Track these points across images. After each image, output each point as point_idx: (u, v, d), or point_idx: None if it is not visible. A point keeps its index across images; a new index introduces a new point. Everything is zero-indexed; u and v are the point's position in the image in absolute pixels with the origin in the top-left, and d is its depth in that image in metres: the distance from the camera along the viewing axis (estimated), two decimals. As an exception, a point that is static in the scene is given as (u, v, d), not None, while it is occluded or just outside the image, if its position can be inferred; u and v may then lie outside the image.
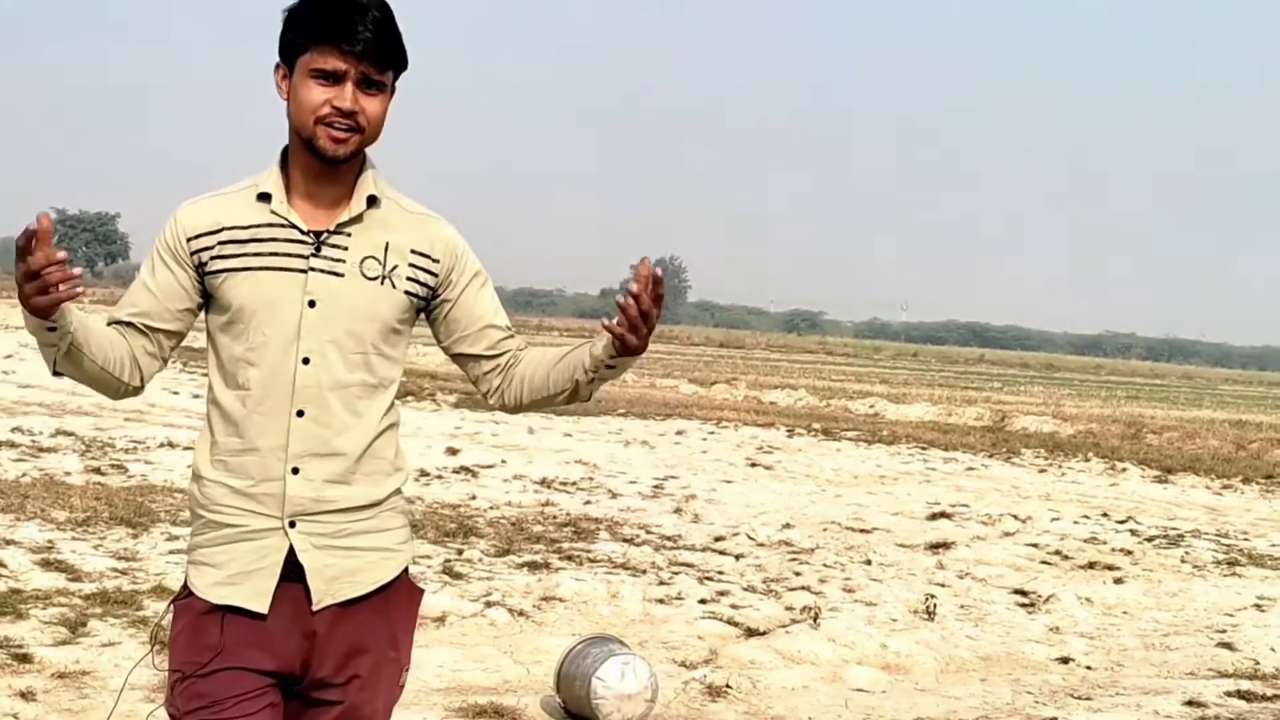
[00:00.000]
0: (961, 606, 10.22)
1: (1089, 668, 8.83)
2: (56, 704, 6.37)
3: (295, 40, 3.13)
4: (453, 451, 17.42)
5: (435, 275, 3.31)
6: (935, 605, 9.88)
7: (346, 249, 3.20)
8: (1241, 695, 8.10)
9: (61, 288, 2.90)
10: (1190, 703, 7.83)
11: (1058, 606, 10.40)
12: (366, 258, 3.21)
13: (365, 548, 3.25)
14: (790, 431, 25.05)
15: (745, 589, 10.25)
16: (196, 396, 22.91)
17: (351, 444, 3.25)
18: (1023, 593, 10.93)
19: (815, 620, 9.11)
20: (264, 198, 3.19)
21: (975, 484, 18.78)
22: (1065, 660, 8.92)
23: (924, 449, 23.43)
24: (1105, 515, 16.10)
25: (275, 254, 3.16)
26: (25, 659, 6.87)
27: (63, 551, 9.36)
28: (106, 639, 7.33)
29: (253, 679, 3.15)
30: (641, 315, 3.19)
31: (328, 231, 3.19)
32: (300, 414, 3.17)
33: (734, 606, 9.60)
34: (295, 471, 3.16)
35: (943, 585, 10.99)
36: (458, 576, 9.74)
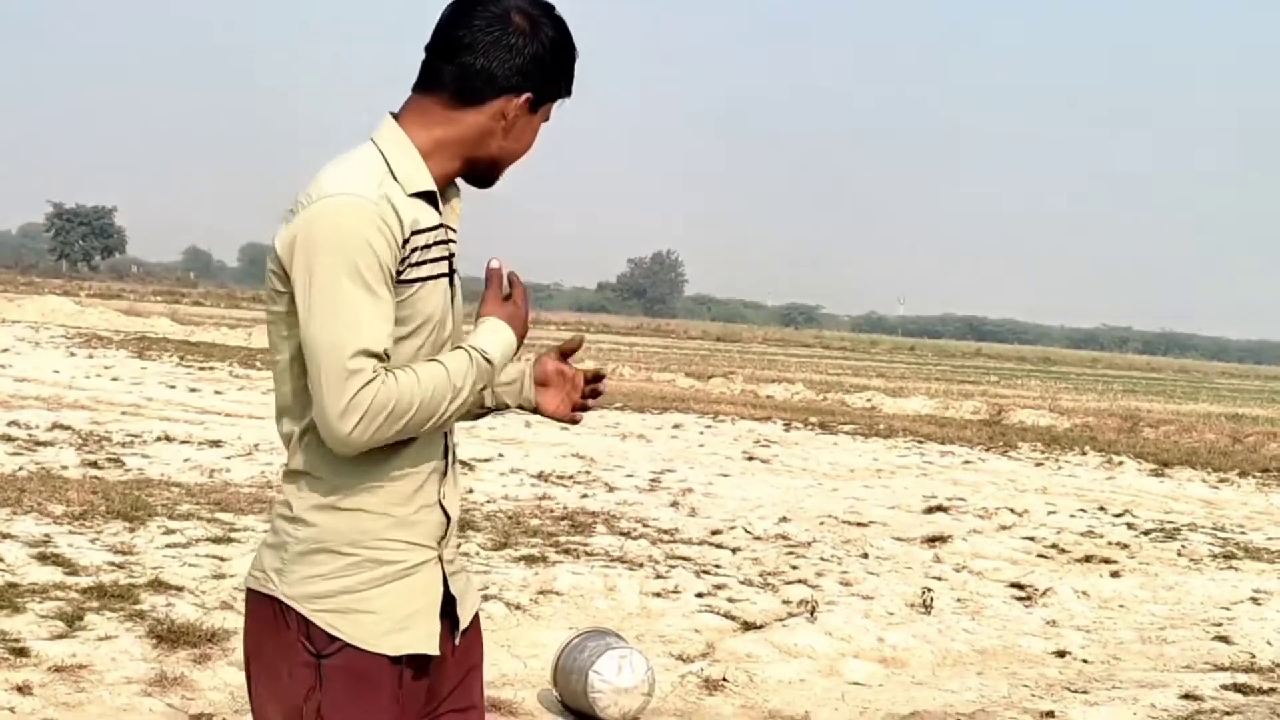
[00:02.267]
0: (958, 600, 10.23)
1: (1085, 661, 8.84)
2: (53, 698, 6.37)
3: (556, 85, 2.97)
4: (449, 445, 17.39)
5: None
6: (932, 599, 9.89)
7: (454, 242, 3.01)
8: (1238, 688, 8.12)
9: None
10: (1186, 696, 7.84)
11: (1054, 600, 10.41)
12: (453, 254, 3.01)
13: (466, 569, 3.13)
14: (787, 425, 25.06)
15: (742, 582, 10.26)
16: (193, 390, 22.90)
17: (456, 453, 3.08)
18: (1019, 586, 10.94)
19: (812, 614, 9.12)
20: (426, 196, 2.89)
21: (972, 477, 18.78)
22: (1062, 654, 8.93)
23: (921, 442, 23.44)
24: (1102, 509, 16.12)
25: (443, 258, 2.92)
26: (22, 653, 6.87)
27: (59, 545, 9.36)
28: (103, 633, 7.33)
29: None
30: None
31: (452, 229, 3.00)
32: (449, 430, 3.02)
33: (731, 600, 9.60)
34: (444, 494, 2.99)
35: (939, 579, 11.00)
36: (455, 570, 9.73)
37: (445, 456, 2.99)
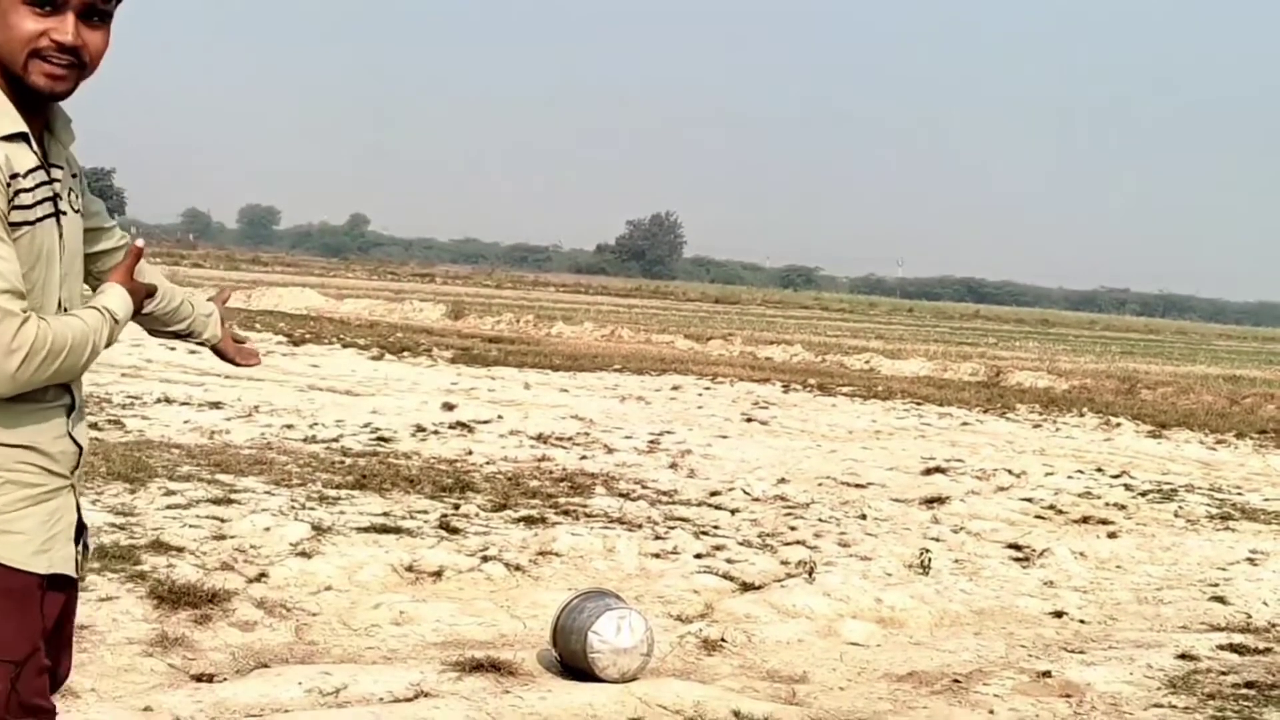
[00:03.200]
0: (956, 561, 10.26)
1: (1082, 621, 8.88)
2: (56, 658, 6.40)
3: None
4: (449, 407, 17.43)
5: (84, 186, 3.24)
6: (930, 559, 9.93)
7: (61, 181, 3.00)
8: (1233, 648, 8.15)
9: None
10: (1183, 656, 7.88)
11: (1051, 561, 10.45)
12: (70, 189, 3.05)
13: (80, 505, 3.20)
14: (785, 387, 25.08)
15: (741, 543, 10.29)
16: (193, 352, 22.88)
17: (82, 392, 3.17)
18: (1017, 547, 10.98)
19: (810, 574, 9.15)
20: (19, 138, 2.86)
21: (970, 439, 18.82)
22: (1059, 614, 8.96)
23: (919, 404, 23.46)
24: (1099, 470, 16.15)
25: (45, 200, 2.91)
26: (24, 613, 6.89)
27: (60, 507, 9.37)
28: (105, 593, 7.36)
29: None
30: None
31: (56, 167, 2.97)
32: None
33: (729, 561, 9.64)
34: (75, 425, 3.07)
35: (937, 540, 11.04)
36: (454, 531, 9.78)
37: (72, 393, 3.05)
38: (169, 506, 9.79)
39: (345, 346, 27.14)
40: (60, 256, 2.96)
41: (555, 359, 27.73)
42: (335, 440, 13.98)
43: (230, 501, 10.09)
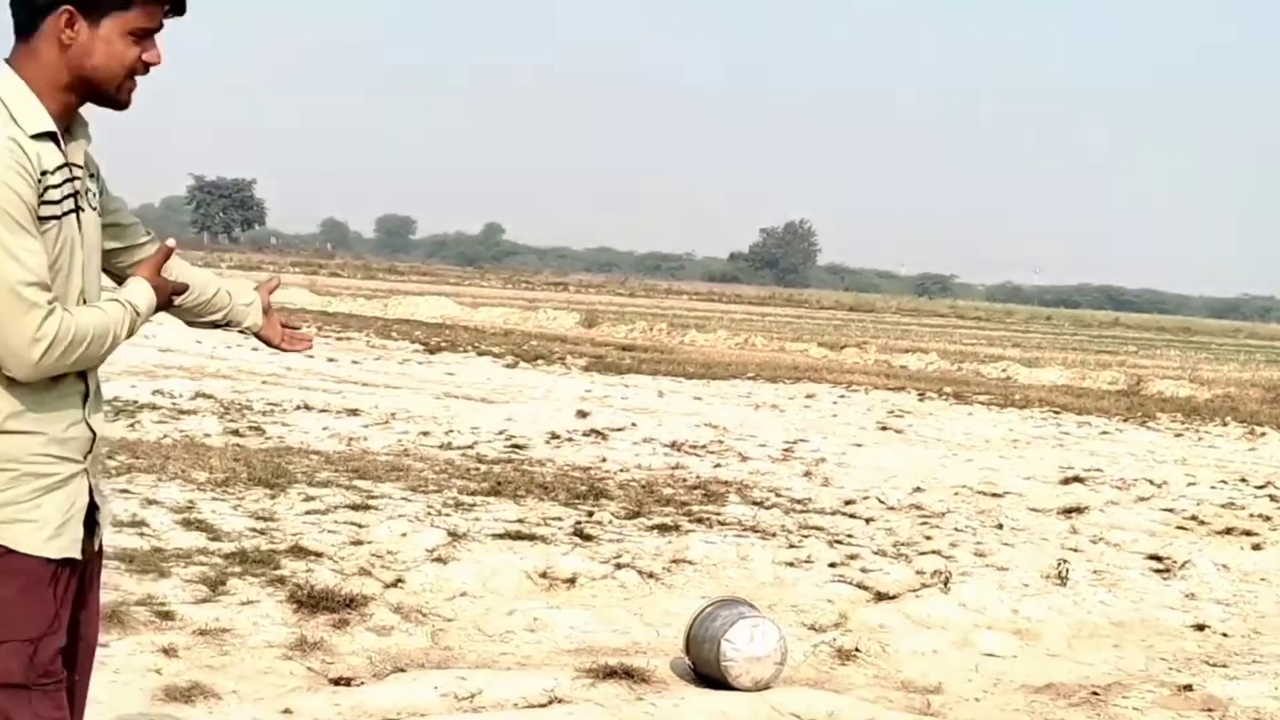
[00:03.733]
0: (1094, 572, 10.11)
1: (1225, 635, 8.71)
2: (198, 660, 6.52)
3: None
4: (582, 414, 17.51)
5: (100, 187, 3.37)
6: (1068, 570, 9.79)
7: (81, 179, 3.20)
8: (1383, 664, 7.95)
9: None
10: (1330, 671, 7.70)
11: (1193, 572, 10.26)
12: (88, 189, 3.24)
13: (103, 487, 3.38)
14: (921, 395, 24.89)
15: (875, 553, 10.22)
16: (331, 360, 23.23)
17: (100, 380, 3.32)
18: (1157, 558, 10.80)
19: (946, 584, 9.07)
20: (48, 137, 3.09)
21: (1109, 448, 18.55)
22: (1201, 627, 8.80)
23: (1057, 413, 23.18)
24: (1243, 480, 15.84)
25: (71, 195, 3.14)
26: (167, 616, 7.03)
27: (203, 511, 9.56)
28: (245, 597, 7.48)
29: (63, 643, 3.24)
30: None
31: (77, 166, 3.19)
32: None
33: (864, 570, 9.57)
34: (90, 412, 3.24)
35: (1075, 550, 10.89)
36: (588, 539, 9.82)
37: (87, 381, 3.21)
38: (308, 512, 9.93)
39: (480, 354, 27.38)
40: (81, 249, 3.16)
41: (688, 367, 27.75)
42: (470, 447, 14.09)
43: (368, 507, 10.21)
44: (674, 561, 9.29)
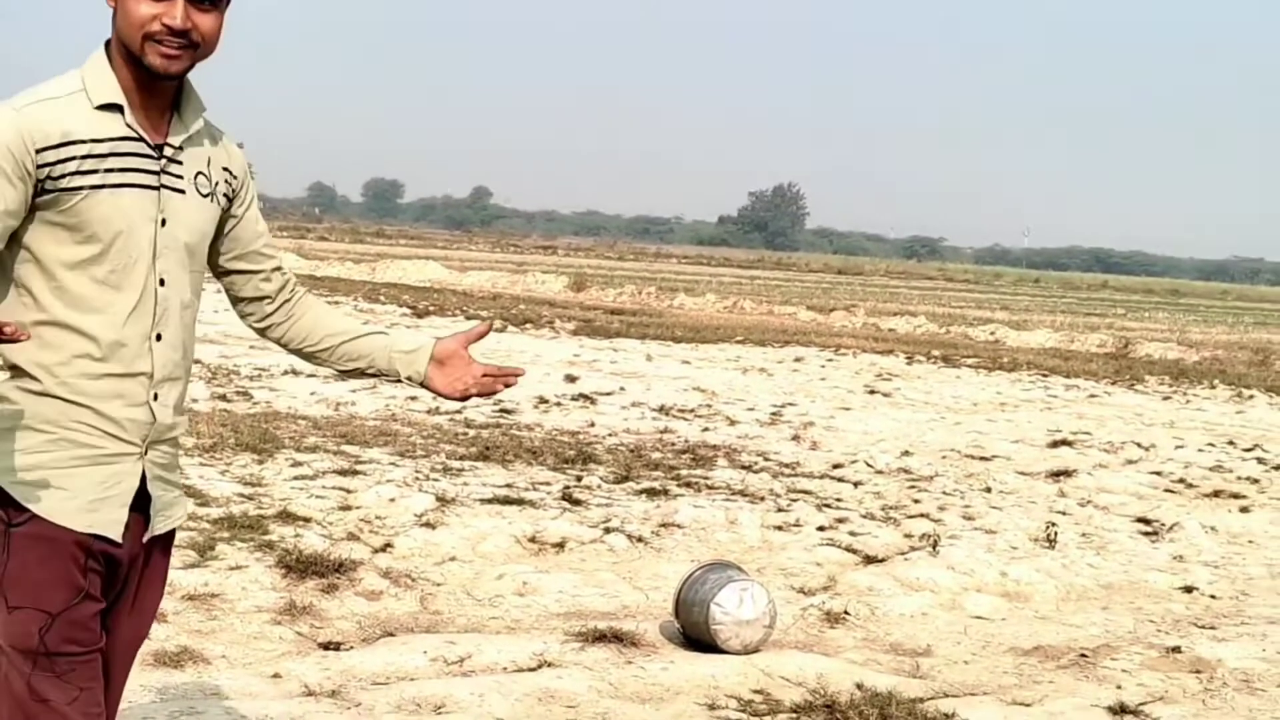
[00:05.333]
0: (1083, 535, 10.13)
1: (1213, 597, 8.73)
2: (187, 625, 6.52)
3: None
4: (571, 379, 17.51)
5: (234, 191, 3.29)
6: (1056, 533, 9.81)
7: (183, 164, 3.12)
8: (1370, 625, 7.97)
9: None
10: (1317, 633, 7.72)
11: (1181, 535, 10.28)
12: (199, 173, 3.15)
13: (176, 482, 3.27)
14: (909, 358, 24.91)
15: (864, 516, 10.24)
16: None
17: (186, 369, 3.23)
18: (1145, 521, 10.82)
19: (934, 547, 9.08)
20: (110, 108, 3.02)
21: (1097, 411, 18.58)
22: (1189, 589, 8.83)
23: (1045, 376, 23.21)
24: (1231, 443, 15.87)
25: (132, 169, 3.03)
26: (156, 581, 7.02)
27: (191, 477, 9.53)
28: (234, 562, 7.47)
29: (98, 613, 3.12)
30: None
31: (170, 146, 3.09)
32: (159, 338, 3.09)
33: (852, 534, 9.59)
34: (155, 398, 3.10)
35: (1064, 513, 10.91)
36: (577, 503, 9.81)
37: (153, 363, 3.09)
38: (296, 477, 9.92)
39: (468, 319, 27.34)
40: (151, 229, 3.06)
41: (677, 331, 27.74)
42: (458, 412, 14.08)
43: (356, 473, 10.20)
44: (663, 525, 9.29)
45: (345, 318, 3.54)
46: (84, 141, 2.98)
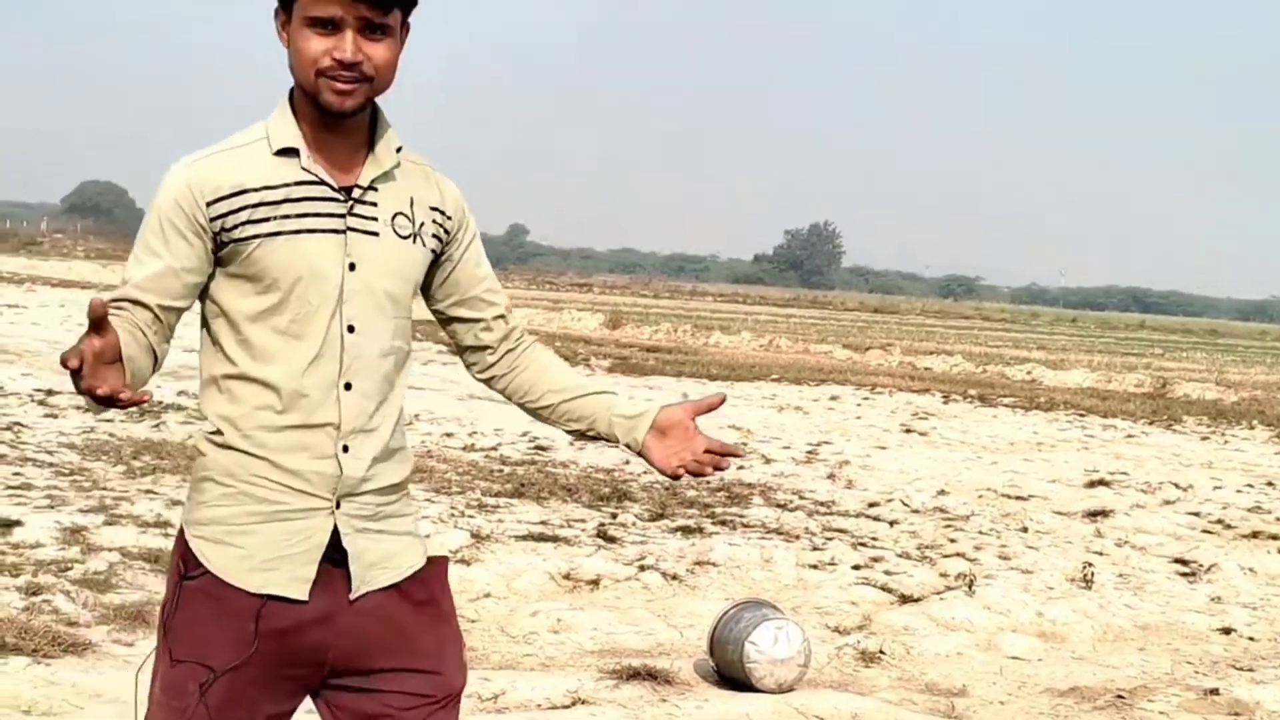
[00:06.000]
0: (1120, 575, 10.08)
1: (1251, 639, 8.67)
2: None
3: None
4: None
5: (448, 232, 3.12)
6: (1093, 573, 9.77)
7: (377, 205, 2.98)
8: None
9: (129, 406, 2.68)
10: (1357, 676, 7.66)
11: (1219, 576, 10.22)
12: (397, 214, 3.00)
13: (396, 531, 3.09)
14: (945, 397, 24.85)
15: (899, 555, 10.21)
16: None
17: (389, 418, 3.03)
18: (1183, 562, 10.76)
19: (970, 587, 9.05)
20: (287, 153, 2.93)
21: (1135, 451, 18.49)
22: (1227, 631, 8.76)
23: (1082, 416, 23.12)
24: (1270, 484, 15.77)
25: (311, 214, 2.92)
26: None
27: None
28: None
29: (288, 680, 2.97)
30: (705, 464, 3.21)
31: (359, 188, 2.96)
32: (348, 387, 2.94)
33: (888, 573, 9.56)
34: (345, 449, 2.94)
35: (1100, 553, 10.85)
36: (612, 540, 9.82)
37: (361, 418, 2.97)
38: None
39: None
40: (337, 274, 2.94)
41: (713, 368, 27.75)
42: (494, 449, 14.10)
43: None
44: (697, 563, 9.29)
45: (570, 373, 3.33)
46: (256, 190, 2.90)
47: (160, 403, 15.17)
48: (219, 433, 2.95)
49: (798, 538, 10.56)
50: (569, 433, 3.30)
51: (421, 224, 3.05)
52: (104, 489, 10.20)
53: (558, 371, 3.30)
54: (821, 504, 12.40)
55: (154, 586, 7.43)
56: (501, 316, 3.27)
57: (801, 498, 12.64)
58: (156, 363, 2.97)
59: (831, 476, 14.13)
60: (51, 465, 11.05)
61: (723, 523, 10.95)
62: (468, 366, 3.33)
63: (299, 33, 2.86)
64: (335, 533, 2.96)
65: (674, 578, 8.89)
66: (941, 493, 13.42)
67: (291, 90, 2.97)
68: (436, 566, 3.24)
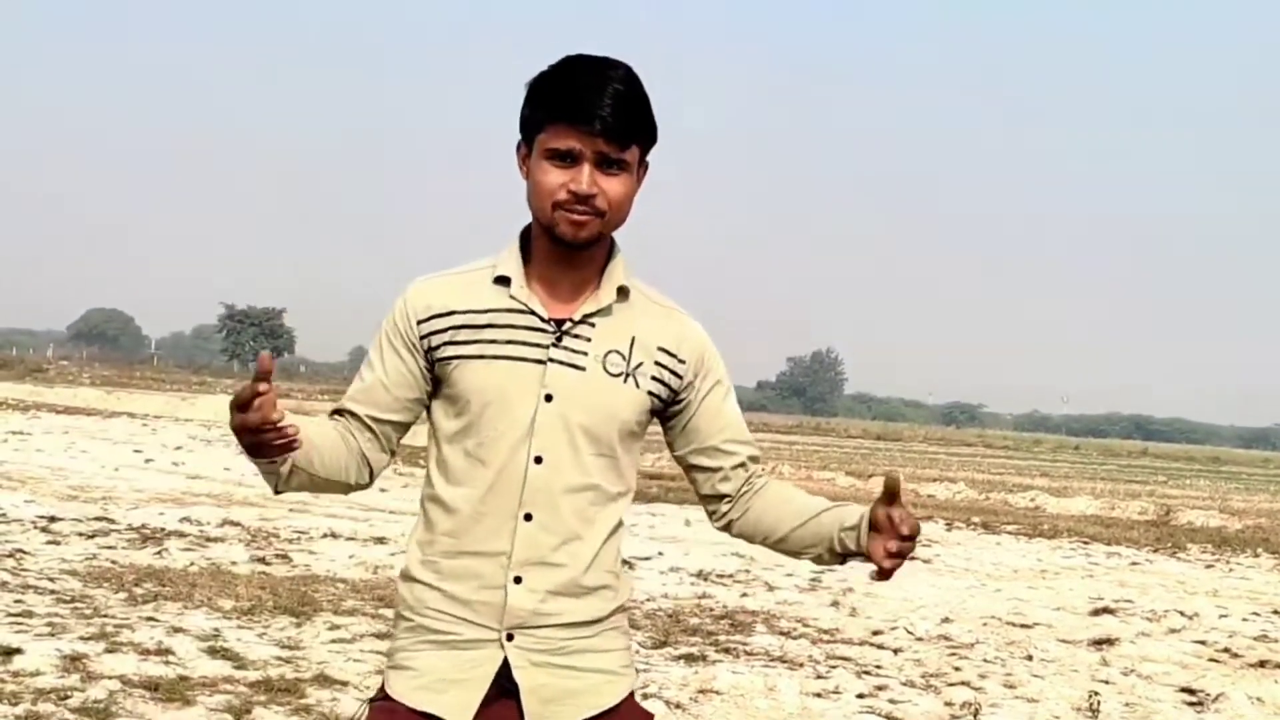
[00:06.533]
0: (1126, 704, 10.02)
1: (1260, 769, 8.60)
2: (222, 789, 6.49)
3: (533, 117, 2.94)
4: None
5: (679, 377, 3.10)
6: (1099, 703, 9.70)
7: (590, 340, 2.98)
8: None
9: (278, 443, 2.75)
10: (1367, 806, 7.59)
11: (1227, 705, 10.15)
12: (610, 352, 3.00)
13: (585, 668, 3.02)
14: (949, 524, 24.78)
15: (904, 684, 10.15)
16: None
17: (579, 555, 3.00)
18: (1190, 691, 10.69)
19: (975, 716, 8.99)
20: (503, 281, 2.99)
21: (1139, 579, 18.40)
22: (1235, 761, 8.69)
23: (1086, 543, 23.03)
24: (1276, 612, 15.68)
25: (512, 342, 2.96)
26: (192, 745, 7.01)
27: (228, 639, 9.55)
28: (270, 726, 7.44)
29: None
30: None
31: (571, 321, 2.98)
32: (528, 518, 2.94)
33: (892, 701, 9.50)
34: (518, 581, 2.95)
35: (1107, 682, 10.79)
36: (614, 668, 9.75)
37: (540, 551, 2.97)
38: (334, 640, 9.91)
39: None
40: (531, 404, 2.96)
41: (715, 496, 27.63)
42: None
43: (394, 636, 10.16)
44: (701, 691, 9.24)
45: (794, 501, 3.21)
46: (462, 312, 2.99)
47: (162, 529, 15.15)
48: (407, 566, 3.07)
49: (801, 665, 10.50)
50: (813, 560, 3.22)
51: (639, 364, 3.04)
52: (105, 616, 10.17)
53: (780, 504, 3.21)
54: (825, 631, 12.34)
55: (153, 715, 7.39)
56: (742, 465, 3.22)
57: (805, 625, 12.58)
58: (371, 472, 3.13)
59: (835, 604, 14.05)
60: (53, 592, 11.02)
61: (726, 650, 10.90)
62: (708, 515, 3.29)
63: (538, 165, 2.93)
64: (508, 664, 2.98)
65: (677, 706, 8.84)
66: (946, 620, 13.35)
67: (527, 226, 3.05)
68: (631, 707, 3.15)
